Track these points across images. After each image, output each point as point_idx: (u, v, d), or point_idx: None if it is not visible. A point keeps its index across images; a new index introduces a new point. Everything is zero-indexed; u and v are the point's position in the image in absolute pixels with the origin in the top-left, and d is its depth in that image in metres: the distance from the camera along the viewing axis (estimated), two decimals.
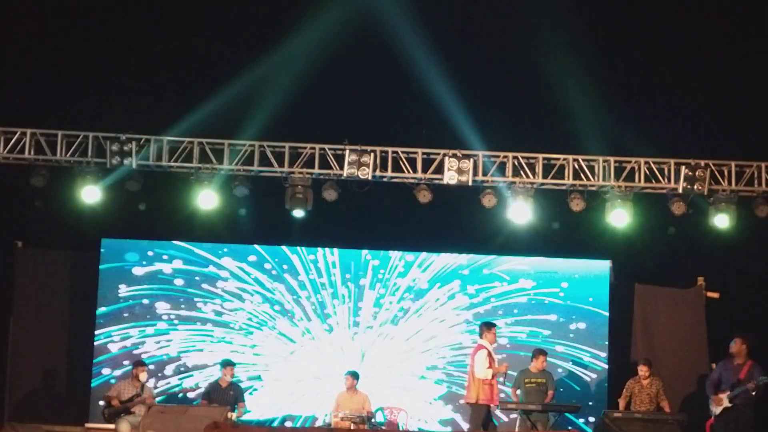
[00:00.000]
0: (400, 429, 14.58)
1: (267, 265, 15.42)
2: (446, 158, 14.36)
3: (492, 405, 13.22)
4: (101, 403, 14.15)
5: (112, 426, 13.72)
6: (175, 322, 15.27)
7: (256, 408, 14.93)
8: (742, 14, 14.47)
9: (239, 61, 14.74)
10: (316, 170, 14.53)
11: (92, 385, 14.92)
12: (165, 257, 15.35)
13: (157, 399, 14.34)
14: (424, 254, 15.47)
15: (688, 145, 14.42)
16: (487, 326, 13.46)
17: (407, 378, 15.32)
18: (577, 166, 14.53)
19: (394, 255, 15.46)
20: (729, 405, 13.14)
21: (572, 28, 14.79)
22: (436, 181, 14.47)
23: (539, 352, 14.28)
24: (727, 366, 13.37)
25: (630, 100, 14.87)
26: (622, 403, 13.98)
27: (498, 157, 14.58)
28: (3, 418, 14.17)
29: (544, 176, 14.55)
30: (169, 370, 15.17)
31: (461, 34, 14.90)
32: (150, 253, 15.35)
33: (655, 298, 15.38)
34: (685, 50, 14.70)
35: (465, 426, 14.24)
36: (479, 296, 15.41)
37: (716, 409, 13.24)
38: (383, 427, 14.51)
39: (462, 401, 14.24)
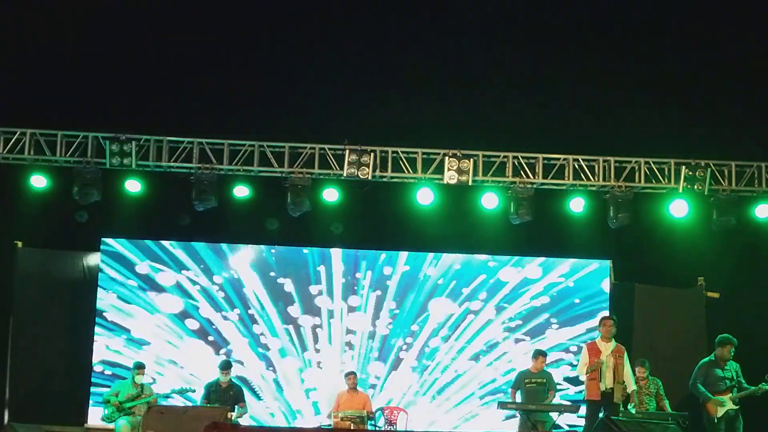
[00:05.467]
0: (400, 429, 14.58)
1: (267, 264, 15.43)
2: (446, 158, 14.36)
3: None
4: (101, 403, 14.15)
5: (111, 426, 13.73)
6: (173, 322, 15.30)
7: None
8: (742, 14, 14.47)
9: (240, 60, 14.77)
10: (316, 170, 14.53)
11: (92, 385, 14.94)
12: (164, 257, 15.35)
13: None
14: (423, 254, 15.46)
15: (688, 145, 14.43)
16: (599, 321, 12.95)
17: (412, 377, 15.37)
18: (577, 166, 14.54)
19: (394, 255, 15.45)
20: (734, 407, 13.04)
21: (572, 28, 14.80)
22: (436, 181, 14.47)
23: (539, 353, 14.27)
24: (714, 366, 13.19)
25: (630, 99, 14.86)
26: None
27: (498, 157, 14.59)
28: (3, 418, 14.16)
29: (544, 176, 14.55)
30: (165, 371, 15.22)
31: (461, 34, 14.90)
32: (149, 253, 15.34)
33: (655, 298, 15.37)
34: (686, 50, 14.71)
35: None
36: (478, 297, 15.40)
37: (719, 412, 13.06)
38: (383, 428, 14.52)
39: None
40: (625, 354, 12.77)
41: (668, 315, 15.30)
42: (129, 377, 14.12)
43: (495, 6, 14.78)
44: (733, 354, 13.10)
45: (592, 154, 14.54)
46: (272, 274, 15.39)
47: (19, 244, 15.11)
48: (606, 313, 14.39)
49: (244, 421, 14.00)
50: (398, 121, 14.72)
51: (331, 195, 14.60)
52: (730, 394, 13.01)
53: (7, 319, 14.86)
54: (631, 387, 12.85)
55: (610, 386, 12.51)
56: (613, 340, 12.77)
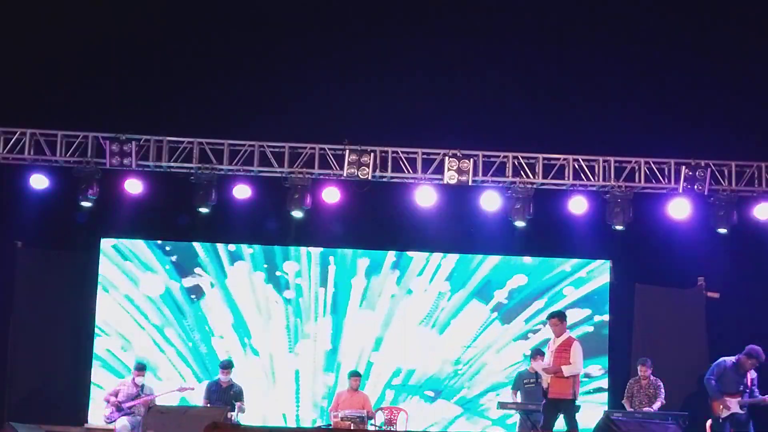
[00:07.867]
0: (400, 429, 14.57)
1: (266, 265, 15.42)
2: (446, 158, 14.36)
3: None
4: (103, 403, 14.15)
5: (112, 426, 13.73)
6: (172, 322, 15.31)
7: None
8: (742, 14, 14.47)
9: (240, 60, 14.76)
10: (316, 170, 14.53)
11: (91, 385, 14.94)
12: (164, 257, 15.35)
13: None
14: (423, 254, 15.45)
15: (688, 145, 14.43)
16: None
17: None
18: (577, 166, 14.54)
19: (393, 255, 15.45)
20: (740, 411, 13.06)
21: (572, 28, 14.80)
22: (436, 181, 14.47)
23: (537, 353, 14.26)
24: (733, 369, 13.21)
25: (630, 100, 14.86)
26: (627, 404, 13.96)
27: (498, 157, 14.59)
28: (3, 418, 14.16)
29: (544, 176, 14.56)
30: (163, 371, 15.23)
31: (461, 33, 14.90)
32: (149, 253, 15.35)
33: (655, 298, 15.37)
34: (686, 50, 14.70)
35: None
36: (478, 297, 15.40)
37: (723, 413, 13.10)
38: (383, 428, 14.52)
39: None
40: (574, 344, 12.18)
41: (668, 315, 15.29)
42: (129, 377, 14.14)
43: (495, 6, 14.77)
44: (753, 368, 13.14)
45: (592, 154, 14.55)
46: (277, 273, 15.40)
47: (19, 244, 15.12)
48: (554, 309, 14.08)
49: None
50: (398, 121, 14.73)
51: (331, 195, 14.60)
52: (739, 398, 13.03)
53: (7, 319, 14.87)
54: (572, 372, 12.34)
55: (547, 383, 12.32)
56: (567, 332, 12.38)
